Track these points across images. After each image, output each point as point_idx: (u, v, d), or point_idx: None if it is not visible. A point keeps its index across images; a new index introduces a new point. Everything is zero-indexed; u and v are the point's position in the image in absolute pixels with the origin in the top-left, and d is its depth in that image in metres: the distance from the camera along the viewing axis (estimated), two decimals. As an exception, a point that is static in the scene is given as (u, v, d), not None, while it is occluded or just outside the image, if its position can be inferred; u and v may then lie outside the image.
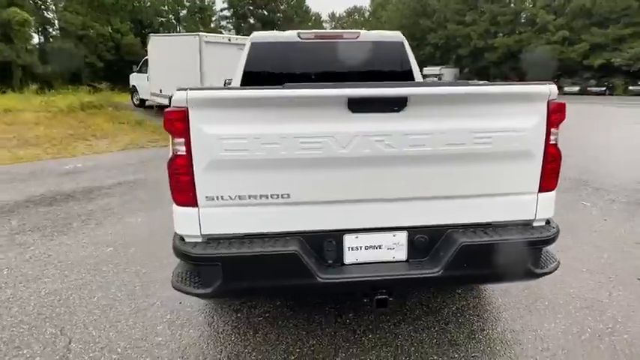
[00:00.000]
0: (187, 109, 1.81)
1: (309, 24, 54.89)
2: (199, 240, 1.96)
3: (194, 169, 1.86)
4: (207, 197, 1.90)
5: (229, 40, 13.61)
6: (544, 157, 1.99)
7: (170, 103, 1.93)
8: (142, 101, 17.54)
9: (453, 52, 53.23)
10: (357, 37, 3.92)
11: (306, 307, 2.80)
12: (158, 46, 15.30)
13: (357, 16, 67.18)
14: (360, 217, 1.99)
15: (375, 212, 1.98)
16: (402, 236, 2.02)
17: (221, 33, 35.94)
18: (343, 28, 66.54)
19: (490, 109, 1.92)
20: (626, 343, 2.42)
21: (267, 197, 1.91)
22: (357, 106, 1.82)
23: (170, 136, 1.91)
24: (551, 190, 2.06)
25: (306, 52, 3.91)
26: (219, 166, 1.86)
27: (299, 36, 3.86)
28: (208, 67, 12.76)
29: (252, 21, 53.13)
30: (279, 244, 1.90)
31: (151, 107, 16.43)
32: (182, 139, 1.84)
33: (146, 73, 16.11)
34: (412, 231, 2.02)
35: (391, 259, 2.05)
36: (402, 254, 2.05)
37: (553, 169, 2.01)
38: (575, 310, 2.77)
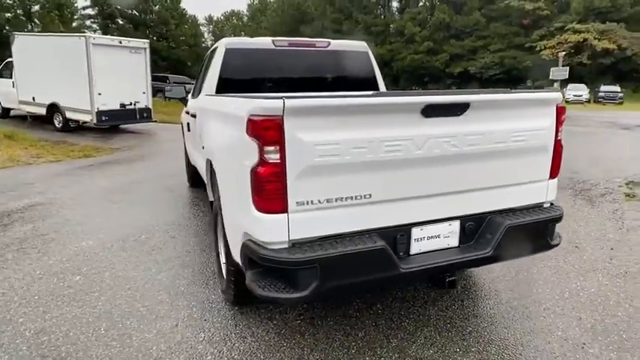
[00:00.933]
0: (283, 117, 1.87)
1: (186, 27, 52.91)
2: (285, 245, 2.01)
3: (287, 176, 1.92)
4: (297, 203, 1.97)
5: (120, 42, 12.62)
6: (554, 150, 2.51)
7: (242, 110, 1.97)
8: (6, 110, 15.16)
9: (333, 59, 56.33)
10: (328, 45, 4.17)
11: (333, 305, 2.96)
12: (26, 47, 13.42)
13: (235, 20, 66.77)
14: (425, 210, 2.25)
15: (435, 205, 2.27)
16: (456, 225, 2.35)
17: (84, 33, 32.73)
18: (222, 31, 65.52)
19: (522, 112, 2.36)
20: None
21: (352, 199, 2.06)
22: (430, 111, 2.09)
23: (244, 145, 1.95)
24: (555, 177, 2.59)
25: (280, 58, 4.03)
26: (312, 172, 1.95)
27: (273, 43, 3.96)
28: (99, 72, 11.69)
29: (121, 21, 49.19)
30: (366, 241, 2.06)
31: (22, 117, 14.31)
32: (275, 147, 1.89)
33: (10, 78, 14.00)
34: (463, 219, 2.36)
35: (446, 246, 2.35)
36: (455, 241, 2.37)
37: (559, 159, 2.55)
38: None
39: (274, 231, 1.98)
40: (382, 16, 56.26)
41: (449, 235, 2.35)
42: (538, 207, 2.57)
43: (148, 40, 13.66)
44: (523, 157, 2.42)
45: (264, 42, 3.97)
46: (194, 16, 58.98)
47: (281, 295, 1.99)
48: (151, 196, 5.90)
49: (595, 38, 35.60)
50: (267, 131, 1.88)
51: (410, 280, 2.33)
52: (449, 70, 47.72)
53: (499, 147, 2.30)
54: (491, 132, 2.26)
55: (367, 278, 2.11)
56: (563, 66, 29.25)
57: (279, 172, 1.91)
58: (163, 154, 9.79)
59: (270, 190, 1.93)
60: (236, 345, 2.54)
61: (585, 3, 38.87)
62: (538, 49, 39.57)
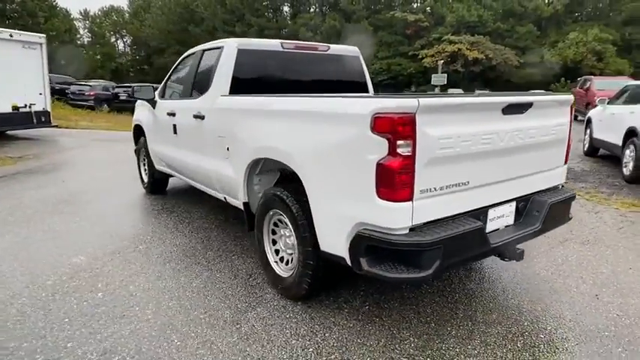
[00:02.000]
0: (415, 114, 2.10)
1: (56, 20, 47.31)
2: (406, 231, 2.24)
3: (415, 167, 2.16)
4: (421, 191, 2.22)
5: (11, 35, 11.07)
6: (568, 141, 3.13)
7: (364, 109, 2.17)
8: None
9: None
10: (328, 49, 4.40)
11: (390, 288, 3.22)
12: None
13: (115, 17, 61.59)
14: (497, 194, 2.67)
15: (503, 189, 2.70)
16: (513, 205, 2.81)
17: None
18: (101, 28, 60.05)
19: (555, 110, 2.92)
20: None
21: (457, 185, 2.37)
22: (508, 109, 2.51)
23: (367, 141, 2.15)
24: (566, 164, 3.22)
25: (287, 60, 4.15)
26: (434, 163, 2.22)
27: (282, 45, 4.07)
28: (-15, 67, 10.17)
29: (-31, 10, 42.02)
30: (467, 222, 2.39)
31: None
32: (407, 141, 2.12)
33: None
34: (517, 200, 2.83)
35: (506, 224, 2.80)
36: (511, 219, 2.82)
37: (569, 149, 3.18)
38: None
39: (400, 218, 2.20)
40: (275, 20, 56.96)
41: (509, 215, 2.80)
42: (556, 188, 3.17)
43: (44, 35, 12.17)
44: (553, 147, 2.99)
45: (274, 44, 4.06)
46: (66, 9, 53.11)
47: (410, 275, 2.21)
48: (108, 207, 5.41)
49: (467, 49, 40.77)
50: (401, 127, 2.10)
51: (490, 254, 2.71)
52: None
53: (543, 139, 2.83)
54: (542, 126, 2.78)
55: (470, 254, 2.46)
56: (441, 73, 32.94)
57: (409, 164, 2.14)
58: (83, 162, 8.86)
59: (400, 181, 2.14)
60: (327, 335, 2.66)
61: (458, 17, 44.28)
62: (420, 57, 43.95)
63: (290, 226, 2.89)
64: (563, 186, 3.28)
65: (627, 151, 7.09)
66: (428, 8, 47.03)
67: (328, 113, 2.48)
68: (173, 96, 4.92)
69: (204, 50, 4.36)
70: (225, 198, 3.90)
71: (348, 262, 2.42)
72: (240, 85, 3.79)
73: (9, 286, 3.26)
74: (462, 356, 2.47)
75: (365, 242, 2.29)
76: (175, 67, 5.03)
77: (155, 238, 4.29)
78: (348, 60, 4.58)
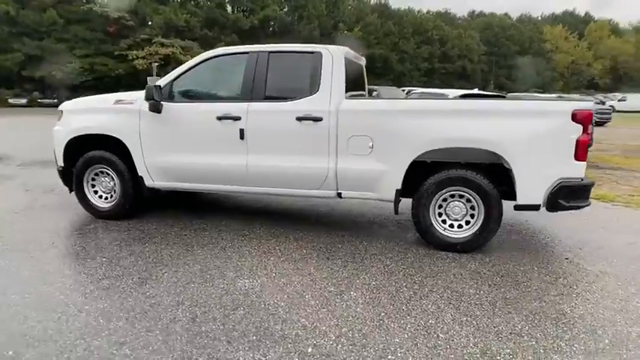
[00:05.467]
0: (590, 110, 3.70)
1: None
2: (584, 178, 3.82)
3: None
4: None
5: None
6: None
7: (566, 107, 3.67)
8: None
9: None
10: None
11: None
12: None
13: None
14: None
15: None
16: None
17: None
18: None
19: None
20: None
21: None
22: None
23: (570, 127, 3.65)
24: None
25: (349, 66, 4.74)
26: (588, 139, 3.88)
27: (347, 54, 4.62)
28: None
29: None
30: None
31: None
32: (589, 126, 3.68)
33: None
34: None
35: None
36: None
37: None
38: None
39: (583, 170, 3.70)
40: None
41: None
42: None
43: None
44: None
45: (349, 52, 4.59)
46: None
47: (584, 204, 3.81)
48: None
49: (180, 53, 41.77)
50: (589, 118, 3.66)
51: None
52: (26, 73, 41.81)
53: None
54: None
55: None
56: (156, 76, 33.07)
57: (590, 139, 3.74)
58: None
59: (586, 149, 3.70)
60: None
61: (165, 19, 44.44)
62: (131, 58, 41.90)
63: (473, 197, 3.90)
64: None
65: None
66: (132, 7, 45.03)
67: (538, 110, 3.76)
68: (208, 99, 4.54)
69: (270, 52, 4.35)
70: (339, 194, 4.25)
71: (542, 206, 3.79)
72: (346, 88, 4.25)
73: None
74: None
75: (565, 189, 3.71)
76: (192, 69, 4.55)
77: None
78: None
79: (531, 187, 3.79)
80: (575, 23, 78.13)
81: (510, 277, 3.48)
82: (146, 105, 4.44)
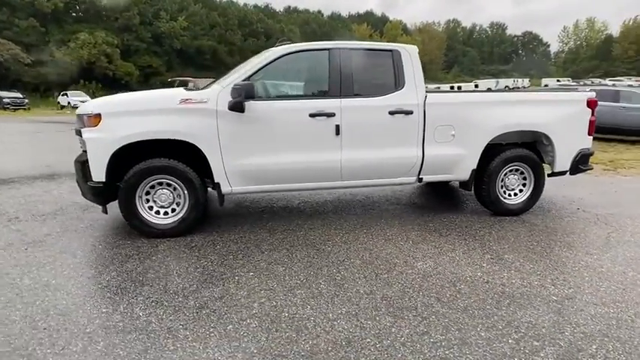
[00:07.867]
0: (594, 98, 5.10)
1: None
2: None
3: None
4: (587, 130, 5.26)
5: None
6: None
7: (583, 96, 5.03)
8: None
9: None
10: None
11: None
12: None
13: None
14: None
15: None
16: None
17: None
18: None
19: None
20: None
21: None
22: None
23: (586, 111, 5.01)
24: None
25: None
26: (586, 117, 5.31)
27: None
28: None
29: None
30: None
31: None
32: (594, 110, 5.08)
33: None
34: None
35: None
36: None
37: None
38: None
39: (591, 142, 5.14)
40: None
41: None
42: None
43: None
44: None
45: None
46: None
47: (589, 167, 5.23)
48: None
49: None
50: (595, 104, 5.04)
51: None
52: None
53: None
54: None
55: None
56: None
57: (595, 120, 5.15)
58: None
59: (594, 127, 5.10)
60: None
61: None
62: None
63: (526, 170, 4.97)
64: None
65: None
66: None
67: (569, 99, 4.96)
68: (293, 96, 4.52)
69: (352, 49, 4.56)
70: (420, 179, 4.83)
71: (567, 171, 5.10)
72: None
73: None
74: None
75: (583, 158, 5.02)
76: (268, 65, 4.44)
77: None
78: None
79: (565, 157, 5.03)
80: (376, 22, 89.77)
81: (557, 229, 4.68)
82: (224, 103, 4.17)
